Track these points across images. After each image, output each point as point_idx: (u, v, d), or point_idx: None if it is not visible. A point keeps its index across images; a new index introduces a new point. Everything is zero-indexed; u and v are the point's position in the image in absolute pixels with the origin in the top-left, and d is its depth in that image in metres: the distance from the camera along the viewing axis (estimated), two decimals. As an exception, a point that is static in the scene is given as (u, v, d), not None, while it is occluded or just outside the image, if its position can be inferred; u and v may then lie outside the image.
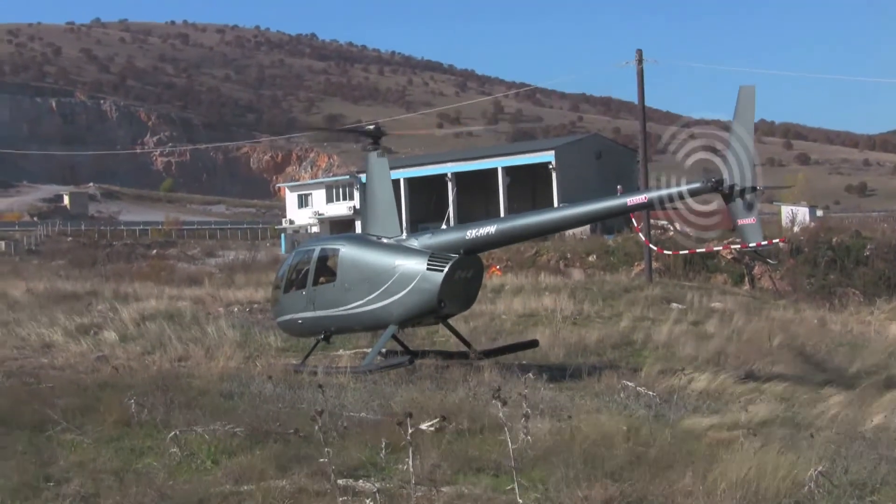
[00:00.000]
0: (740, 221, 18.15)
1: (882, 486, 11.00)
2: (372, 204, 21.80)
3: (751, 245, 18.31)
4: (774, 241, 24.66)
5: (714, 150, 18.74)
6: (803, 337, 28.29)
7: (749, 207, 17.99)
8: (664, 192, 18.73)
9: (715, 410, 16.73)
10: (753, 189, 17.93)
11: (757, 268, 50.42)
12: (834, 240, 51.12)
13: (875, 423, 16.64)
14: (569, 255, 55.45)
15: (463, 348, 21.30)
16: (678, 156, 18.73)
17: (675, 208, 19.36)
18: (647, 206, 20.20)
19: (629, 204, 19.80)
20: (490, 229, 20.19)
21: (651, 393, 17.84)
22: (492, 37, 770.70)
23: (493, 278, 41.20)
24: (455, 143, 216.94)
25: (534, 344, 22.42)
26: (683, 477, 10.57)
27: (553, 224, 21.73)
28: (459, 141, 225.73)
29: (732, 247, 20.96)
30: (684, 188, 18.45)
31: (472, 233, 20.16)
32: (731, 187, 17.86)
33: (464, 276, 20.11)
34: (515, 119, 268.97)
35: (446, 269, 19.54)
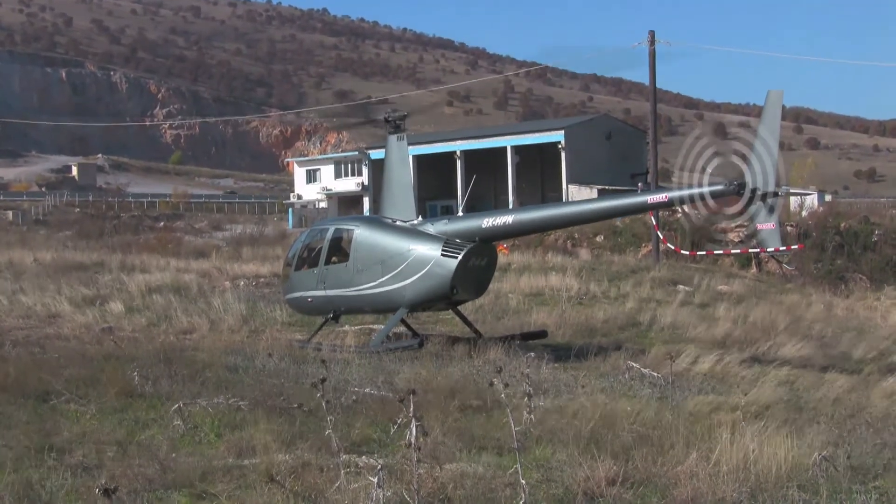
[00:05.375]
0: (760, 226, 18.03)
1: (885, 471, 10.97)
2: (389, 187, 21.80)
3: (769, 250, 18.25)
4: (793, 247, 24.50)
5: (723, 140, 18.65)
6: (809, 321, 28.24)
7: (770, 211, 17.86)
8: (685, 192, 18.55)
9: (720, 392, 16.72)
10: (775, 194, 17.82)
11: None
12: (842, 225, 50.94)
13: (879, 408, 16.62)
14: (576, 235, 55.31)
15: (470, 334, 21.25)
16: (698, 164, 18.54)
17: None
18: (668, 206, 20.13)
19: (649, 202, 19.78)
20: (507, 219, 20.18)
21: (656, 374, 17.83)
22: (503, 15, 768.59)
23: (499, 257, 41.12)
24: (465, 120, 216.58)
25: (542, 334, 22.32)
26: (687, 458, 10.56)
27: (571, 218, 21.78)
28: (469, 119, 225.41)
29: (750, 250, 20.84)
30: (706, 189, 18.23)
31: (489, 221, 20.14)
32: (754, 191, 17.72)
33: (478, 264, 20.15)
34: (525, 98, 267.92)
35: (461, 256, 19.58)
